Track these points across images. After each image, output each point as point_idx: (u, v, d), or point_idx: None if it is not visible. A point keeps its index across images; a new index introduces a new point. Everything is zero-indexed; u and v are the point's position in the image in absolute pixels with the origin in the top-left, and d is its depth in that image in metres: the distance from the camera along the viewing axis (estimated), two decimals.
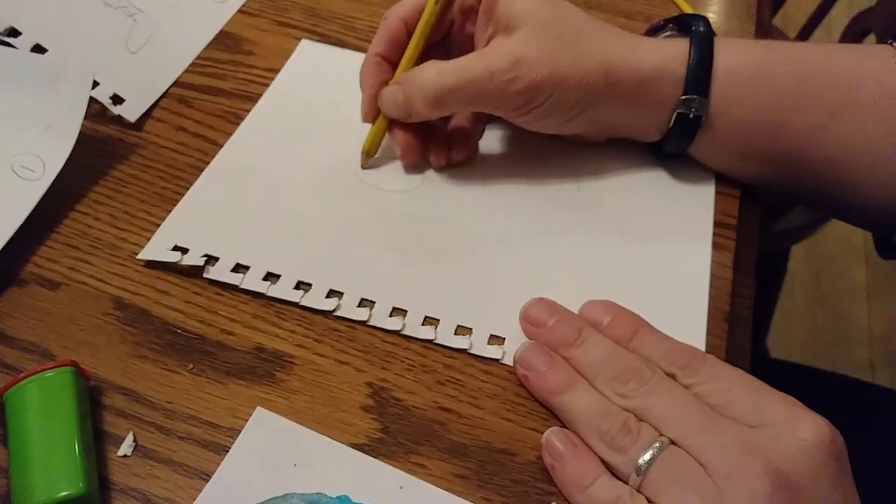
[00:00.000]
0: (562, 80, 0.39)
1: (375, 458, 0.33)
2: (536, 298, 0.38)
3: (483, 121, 0.45)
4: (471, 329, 0.37)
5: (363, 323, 0.37)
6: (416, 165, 0.44)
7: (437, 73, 0.39)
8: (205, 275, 0.38)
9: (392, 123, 0.43)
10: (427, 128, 0.43)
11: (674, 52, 0.40)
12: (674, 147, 0.43)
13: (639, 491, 0.31)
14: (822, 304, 1.34)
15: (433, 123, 0.43)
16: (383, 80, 0.42)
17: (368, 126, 0.44)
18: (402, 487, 0.32)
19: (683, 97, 0.40)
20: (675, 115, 0.40)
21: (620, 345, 0.35)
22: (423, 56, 0.42)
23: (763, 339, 1.08)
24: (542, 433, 0.34)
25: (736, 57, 0.41)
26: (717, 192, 0.43)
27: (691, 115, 0.40)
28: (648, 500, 0.31)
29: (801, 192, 0.45)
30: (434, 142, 0.43)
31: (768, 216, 0.88)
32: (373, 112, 0.43)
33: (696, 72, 0.40)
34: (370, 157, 0.44)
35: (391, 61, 0.43)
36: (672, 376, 0.34)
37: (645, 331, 0.36)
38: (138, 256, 0.39)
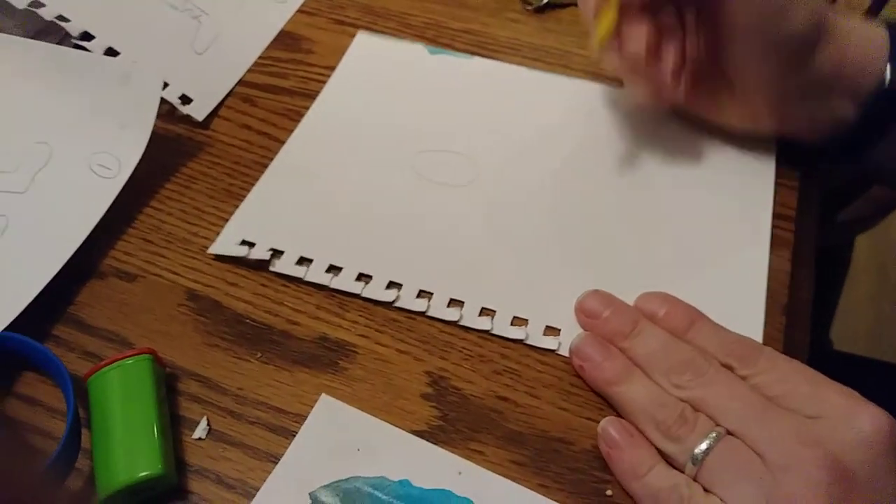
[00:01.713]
0: None
1: (435, 444, 0.34)
2: (591, 290, 0.38)
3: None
4: (527, 320, 0.38)
5: (422, 314, 0.38)
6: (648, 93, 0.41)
7: None
8: (271, 268, 0.40)
9: (626, 15, 0.39)
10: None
11: (872, 24, 0.39)
12: (866, 134, 0.40)
13: (695, 481, 0.31)
14: (888, 296, 1.30)
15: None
16: None
17: (416, 119, 0.44)
18: (460, 473, 0.33)
19: (890, 69, 0.38)
20: (880, 88, 0.38)
21: (676, 336, 0.35)
22: None
23: (826, 331, 1.06)
24: (598, 423, 0.35)
25: None
26: (776, 183, 0.43)
27: None
28: (704, 489, 0.31)
29: None
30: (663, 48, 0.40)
31: (831, 207, 0.86)
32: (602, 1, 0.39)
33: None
34: (602, 45, 0.40)
35: None
36: (728, 367, 0.34)
37: (701, 322, 0.36)
38: (209, 251, 0.41)
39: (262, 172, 0.44)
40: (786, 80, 0.40)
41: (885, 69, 0.39)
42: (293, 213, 0.43)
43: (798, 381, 0.32)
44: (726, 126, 0.43)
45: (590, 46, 0.40)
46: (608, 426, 0.34)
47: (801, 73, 0.39)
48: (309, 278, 0.39)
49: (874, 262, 1.34)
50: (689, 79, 0.41)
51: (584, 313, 0.37)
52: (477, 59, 0.50)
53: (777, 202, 0.42)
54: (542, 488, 0.33)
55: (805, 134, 0.42)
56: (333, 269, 0.40)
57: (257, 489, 0.33)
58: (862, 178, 0.71)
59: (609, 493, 0.33)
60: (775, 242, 0.41)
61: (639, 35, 0.39)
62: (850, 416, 0.31)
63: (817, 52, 0.39)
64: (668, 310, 0.36)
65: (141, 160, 0.43)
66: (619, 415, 0.35)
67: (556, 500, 0.33)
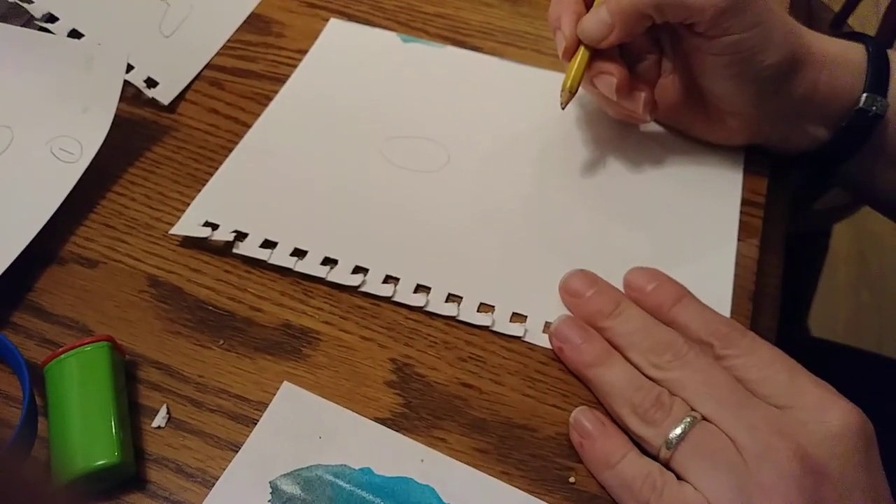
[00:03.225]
0: (771, 14, 0.37)
1: (398, 431, 0.34)
2: (577, 270, 0.38)
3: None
4: (493, 306, 0.38)
5: (388, 299, 0.38)
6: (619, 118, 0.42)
7: None
8: (234, 250, 0.39)
9: (595, 57, 0.40)
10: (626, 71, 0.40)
11: (853, 45, 0.40)
12: (838, 151, 0.41)
13: (669, 466, 0.31)
14: (867, 284, 1.31)
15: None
16: (579, 12, 0.40)
17: (386, 105, 0.44)
18: (423, 461, 0.33)
19: (865, 94, 0.39)
20: (853, 112, 0.40)
21: (662, 311, 0.35)
22: None
23: (804, 319, 1.06)
24: (563, 409, 0.34)
25: None
26: (745, 170, 0.43)
27: (871, 113, 0.39)
28: (678, 476, 0.31)
29: None
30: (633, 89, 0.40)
31: (808, 195, 0.86)
32: (574, 44, 0.40)
33: (876, 68, 0.39)
34: (572, 96, 0.40)
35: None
36: (710, 346, 0.34)
37: (687, 300, 0.36)
38: (170, 231, 0.40)
39: (228, 157, 0.44)
40: (760, 107, 0.40)
41: (860, 94, 0.39)
42: (258, 196, 0.42)
43: (777, 368, 0.32)
44: (699, 138, 0.44)
45: (562, 87, 0.40)
46: (580, 416, 0.34)
47: (775, 100, 0.40)
48: (273, 261, 0.39)
49: (853, 250, 1.35)
50: (662, 104, 0.42)
51: (568, 292, 0.37)
52: (450, 48, 0.49)
53: (746, 188, 0.42)
54: (505, 475, 0.33)
55: (779, 149, 0.43)
56: (298, 253, 0.39)
57: (217, 478, 0.33)
58: None
59: (572, 479, 0.33)
60: (743, 229, 0.41)
61: (608, 80, 0.40)
62: (822, 410, 0.31)
63: (791, 80, 0.39)
64: (656, 285, 0.36)
65: (104, 144, 0.42)
66: (588, 402, 0.35)
67: (518, 488, 0.32)
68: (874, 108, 0.39)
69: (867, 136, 0.40)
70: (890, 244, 1.35)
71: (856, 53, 0.40)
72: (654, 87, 0.42)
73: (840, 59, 0.40)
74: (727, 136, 0.43)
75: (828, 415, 0.30)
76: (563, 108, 0.41)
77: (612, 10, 0.38)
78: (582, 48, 0.40)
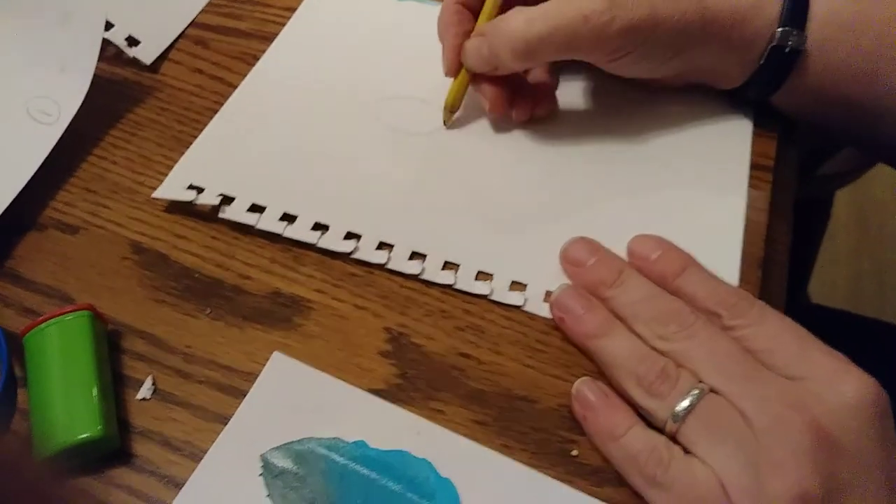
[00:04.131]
0: (660, 20, 0.36)
1: (393, 403, 0.33)
2: (577, 237, 0.36)
3: (558, 71, 0.43)
4: (492, 275, 0.36)
5: (381, 267, 0.36)
6: (502, 119, 0.42)
7: (526, 22, 0.36)
8: (220, 215, 0.38)
9: (476, 77, 0.40)
10: (511, 80, 0.40)
11: None
12: (760, 90, 0.40)
13: (675, 439, 0.30)
14: (867, 250, 1.30)
15: (516, 76, 0.41)
16: (465, 31, 0.40)
17: (379, 65, 0.42)
18: (419, 433, 0.32)
19: (780, 29, 0.37)
20: (768, 49, 0.37)
21: (667, 280, 0.34)
22: (505, 2, 0.39)
23: (804, 285, 1.06)
24: (565, 380, 0.33)
25: None
26: (754, 133, 0.41)
27: (787, 49, 0.37)
28: (685, 450, 0.30)
29: (886, 147, 0.42)
30: (518, 95, 0.41)
31: (811, 161, 0.84)
32: (456, 65, 0.40)
33: (793, 4, 0.37)
34: (454, 114, 0.41)
35: (472, 9, 0.40)
36: (717, 316, 0.32)
37: (694, 268, 0.34)
38: (153, 195, 0.39)
39: (213, 118, 0.42)
40: (672, 78, 0.40)
41: (778, 15, 0.37)
42: (245, 159, 0.40)
43: (787, 338, 0.31)
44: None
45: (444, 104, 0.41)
46: (583, 387, 0.32)
47: (686, 66, 0.39)
48: (261, 226, 0.37)
49: (854, 216, 1.33)
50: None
51: (569, 261, 0.36)
52: None
53: (755, 152, 0.41)
54: (504, 448, 0.32)
55: (718, 80, 0.41)
56: (288, 218, 0.38)
57: (205, 451, 0.31)
58: None
59: (574, 453, 0.32)
60: (752, 193, 0.39)
61: (483, 101, 0.41)
62: (836, 381, 0.29)
63: (700, 48, 0.38)
64: (661, 253, 0.35)
65: (84, 106, 0.40)
66: (591, 372, 0.33)
67: (519, 461, 0.31)
68: (790, 42, 0.37)
69: (787, 72, 0.38)
70: (891, 211, 1.34)
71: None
72: (552, 82, 0.42)
73: (754, 9, 0.37)
74: (660, 84, 0.42)
75: (842, 386, 0.29)
76: (445, 126, 0.41)
77: (494, 50, 0.38)
78: (463, 72, 0.40)
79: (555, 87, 0.42)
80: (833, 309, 0.73)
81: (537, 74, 0.42)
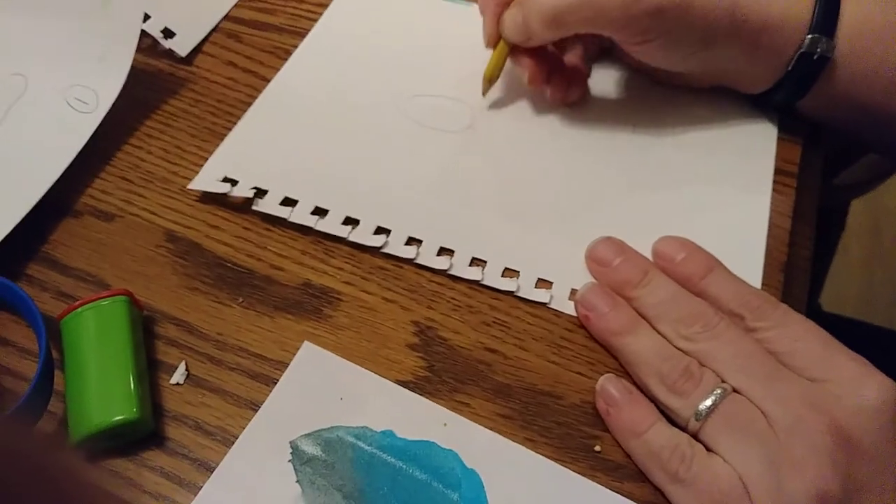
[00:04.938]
0: (689, 7, 0.36)
1: (420, 395, 0.33)
2: (603, 237, 0.37)
3: (592, 59, 0.44)
4: (518, 272, 0.37)
5: (410, 261, 0.37)
6: (538, 94, 0.43)
7: None
8: (254, 207, 0.38)
9: (515, 49, 0.41)
10: (548, 58, 0.41)
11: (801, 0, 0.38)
12: (786, 95, 0.40)
13: (697, 438, 0.31)
14: (880, 261, 1.30)
15: (553, 56, 0.42)
16: (505, 2, 0.40)
17: (410, 62, 0.43)
18: (445, 425, 0.33)
19: (810, 36, 0.37)
20: (797, 56, 0.38)
21: (692, 282, 0.34)
22: None
23: (817, 295, 1.05)
24: (588, 377, 0.34)
25: (864, 6, 0.38)
26: (778, 139, 0.42)
27: (816, 57, 0.37)
28: (707, 448, 0.30)
29: None
30: (554, 77, 0.42)
31: (828, 170, 0.85)
32: (495, 36, 0.41)
33: (824, 12, 0.37)
34: (492, 84, 0.42)
35: None
36: (740, 318, 0.33)
37: (719, 270, 0.35)
38: (188, 186, 0.39)
39: (247, 111, 0.43)
40: (698, 78, 0.42)
41: (808, 24, 0.38)
42: (278, 152, 0.41)
43: (809, 341, 0.32)
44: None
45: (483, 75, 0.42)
46: (607, 384, 0.33)
47: (712, 64, 0.40)
48: (293, 219, 0.38)
49: (867, 226, 1.33)
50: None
51: (595, 261, 0.36)
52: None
53: (779, 158, 0.41)
54: (528, 442, 0.32)
55: (744, 85, 0.42)
56: (319, 212, 0.38)
57: (237, 437, 0.32)
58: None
59: (598, 448, 0.32)
60: (776, 198, 0.39)
61: (522, 72, 0.42)
62: (858, 384, 0.30)
63: (728, 48, 0.38)
64: (686, 255, 0.35)
65: (120, 95, 0.41)
66: (615, 370, 0.34)
67: (542, 455, 0.32)
68: (818, 49, 0.37)
69: (815, 78, 0.39)
70: None
71: (802, 6, 0.38)
72: (584, 69, 0.43)
73: (783, 17, 0.38)
74: (686, 82, 0.43)
75: (864, 389, 0.29)
76: (483, 96, 0.43)
77: (526, 19, 0.39)
78: (503, 43, 0.41)
79: (587, 74, 0.43)
80: (846, 317, 0.73)
81: (571, 59, 0.43)
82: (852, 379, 0.30)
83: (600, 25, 0.38)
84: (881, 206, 1.33)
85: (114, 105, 0.40)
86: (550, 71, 0.41)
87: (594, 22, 0.38)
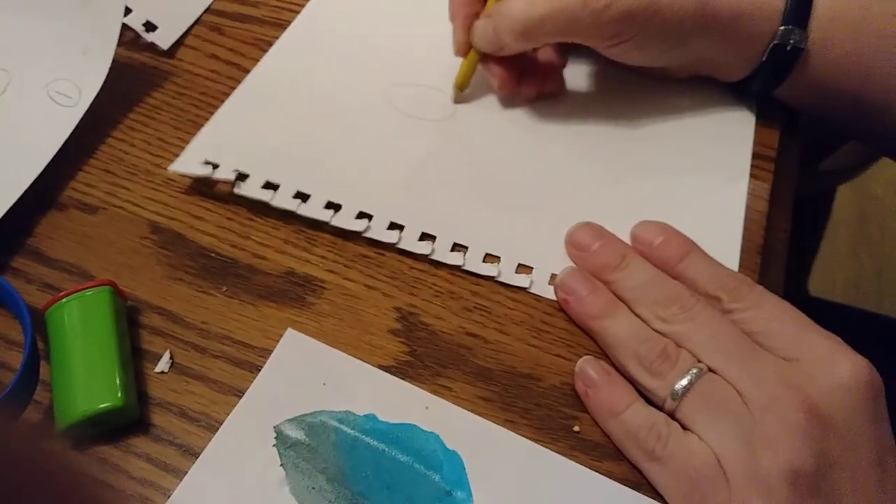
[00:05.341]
0: (658, 9, 0.37)
1: (403, 379, 0.34)
2: (582, 222, 0.37)
3: (567, 52, 0.44)
4: (499, 257, 0.37)
5: (392, 248, 0.38)
6: (511, 103, 0.43)
7: (528, 4, 0.38)
8: (235, 190, 0.39)
9: (485, 56, 0.42)
10: (520, 60, 0.42)
11: None
12: (762, 84, 0.41)
13: (674, 417, 0.31)
14: (867, 247, 1.31)
15: (526, 55, 0.42)
16: (475, 13, 0.41)
17: (391, 52, 0.43)
18: (427, 408, 0.33)
19: (782, 27, 0.38)
20: (770, 47, 0.38)
21: (669, 265, 0.35)
22: None
23: (805, 280, 1.06)
24: (568, 360, 0.34)
25: None
26: (757, 123, 0.42)
27: (788, 48, 0.38)
28: (683, 427, 0.31)
29: (889, 141, 0.43)
30: (526, 74, 0.42)
31: (813, 155, 0.85)
32: (465, 45, 0.42)
33: (796, 4, 0.38)
34: (462, 91, 0.43)
35: None
36: (717, 300, 0.33)
37: (695, 253, 0.35)
38: (169, 168, 0.39)
39: (229, 97, 0.43)
40: (673, 71, 0.42)
41: (781, 13, 0.38)
42: (261, 137, 0.41)
43: (785, 321, 0.32)
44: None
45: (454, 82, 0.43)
46: (585, 365, 0.33)
47: (685, 58, 0.41)
48: (275, 203, 0.38)
49: (854, 213, 1.34)
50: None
51: (574, 245, 0.37)
52: None
53: (757, 142, 0.42)
54: (509, 424, 0.33)
55: (721, 73, 0.42)
56: (301, 197, 0.39)
57: (221, 422, 0.33)
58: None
59: (576, 429, 0.33)
60: (753, 182, 0.40)
61: (492, 80, 0.42)
62: (831, 362, 0.30)
63: (701, 40, 0.39)
64: (663, 239, 0.36)
65: (103, 89, 0.41)
66: (594, 352, 0.35)
67: (523, 436, 0.32)
68: (791, 41, 0.38)
69: (789, 69, 0.39)
70: (891, 208, 1.34)
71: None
72: (559, 62, 0.43)
73: (755, 6, 0.38)
74: (665, 74, 0.43)
75: (837, 367, 0.30)
76: (453, 103, 0.43)
77: (497, 31, 0.39)
78: (473, 51, 0.42)
79: (562, 66, 0.43)
80: (832, 302, 0.73)
81: (546, 53, 0.43)
82: (826, 357, 0.31)
83: (572, 34, 0.39)
84: (868, 194, 1.34)
85: (97, 98, 0.41)
86: (523, 71, 0.42)
87: (565, 31, 0.38)
